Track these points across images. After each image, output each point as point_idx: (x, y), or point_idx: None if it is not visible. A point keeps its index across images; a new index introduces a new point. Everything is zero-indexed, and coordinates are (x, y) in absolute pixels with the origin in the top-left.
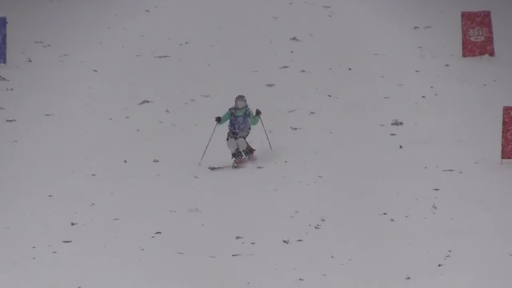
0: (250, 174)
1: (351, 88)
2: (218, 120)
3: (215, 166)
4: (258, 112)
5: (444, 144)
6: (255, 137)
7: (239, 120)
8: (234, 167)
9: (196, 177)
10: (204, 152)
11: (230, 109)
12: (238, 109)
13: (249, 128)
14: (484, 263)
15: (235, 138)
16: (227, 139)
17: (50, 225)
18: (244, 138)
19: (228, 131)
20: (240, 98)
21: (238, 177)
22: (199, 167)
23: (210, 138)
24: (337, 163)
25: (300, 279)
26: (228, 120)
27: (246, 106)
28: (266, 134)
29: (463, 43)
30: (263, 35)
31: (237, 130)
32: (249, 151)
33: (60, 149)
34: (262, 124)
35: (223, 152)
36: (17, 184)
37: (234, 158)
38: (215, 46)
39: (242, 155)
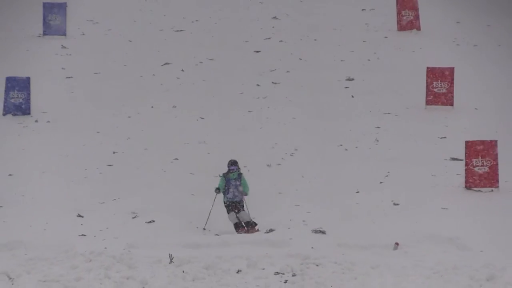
0: (242, 117)
1: (317, 53)
2: (218, 191)
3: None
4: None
5: (384, 94)
6: None
7: (232, 183)
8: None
9: (203, 118)
10: (207, 219)
11: (223, 174)
12: (231, 173)
13: (243, 192)
14: (413, 181)
15: (236, 212)
16: (228, 212)
17: (98, 153)
18: (243, 208)
19: (226, 200)
20: (232, 163)
21: (235, 121)
22: (204, 109)
23: (211, 207)
24: (306, 108)
25: (280, 193)
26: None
27: (239, 169)
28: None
29: (398, 20)
30: (252, 15)
31: (233, 196)
32: (252, 224)
33: (104, 97)
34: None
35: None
36: (73, 123)
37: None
38: (217, 23)
39: (243, 225)
